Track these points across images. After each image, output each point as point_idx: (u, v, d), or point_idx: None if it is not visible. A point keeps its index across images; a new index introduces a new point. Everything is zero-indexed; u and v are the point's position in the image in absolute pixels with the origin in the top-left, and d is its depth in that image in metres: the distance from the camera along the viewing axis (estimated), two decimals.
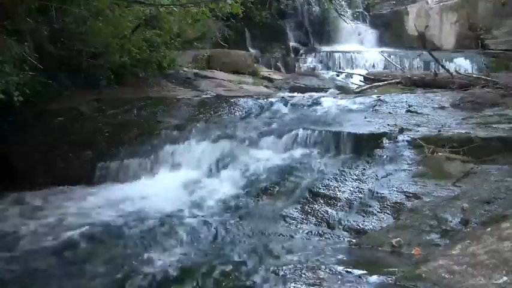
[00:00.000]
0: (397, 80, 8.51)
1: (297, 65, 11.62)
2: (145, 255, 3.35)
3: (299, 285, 2.62)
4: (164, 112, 6.29)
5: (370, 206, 3.74)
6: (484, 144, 4.31)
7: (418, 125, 5.10)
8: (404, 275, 2.38)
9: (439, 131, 4.77)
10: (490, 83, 6.82)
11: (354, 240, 3.40)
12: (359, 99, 6.50)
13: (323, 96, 7.01)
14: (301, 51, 12.06)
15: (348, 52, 11.43)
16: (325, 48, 12.19)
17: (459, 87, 6.94)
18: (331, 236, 3.53)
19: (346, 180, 4.20)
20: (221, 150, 5.17)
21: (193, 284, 2.88)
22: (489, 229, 2.69)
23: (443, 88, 7.38)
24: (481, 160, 4.14)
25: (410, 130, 4.87)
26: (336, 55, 11.42)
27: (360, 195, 3.93)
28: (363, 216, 3.66)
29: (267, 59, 11.61)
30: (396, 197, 3.77)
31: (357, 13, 13.39)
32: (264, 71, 10.61)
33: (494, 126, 4.83)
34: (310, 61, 11.61)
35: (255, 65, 10.65)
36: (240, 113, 6.23)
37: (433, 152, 4.32)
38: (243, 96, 6.91)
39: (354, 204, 3.83)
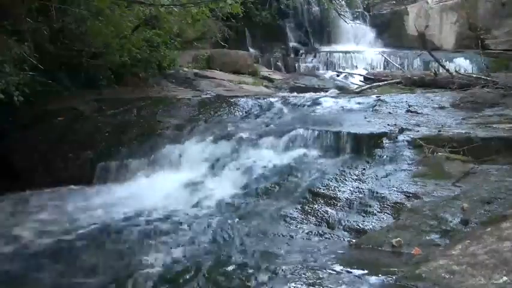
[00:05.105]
0: (397, 80, 8.53)
1: (297, 65, 11.62)
2: (145, 255, 3.35)
3: (299, 285, 2.61)
4: (164, 112, 6.30)
5: (370, 206, 3.74)
6: (484, 144, 4.30)
7: (418, 125, 5.10)
8: (404, 275, 2.37)
9: (439, 131, 4.77)
10: (490, 83, 6.82)
11: (354, 240, 3.39)
12: (359, 99, 6.50)
13: (323, 96, 7.01)
14: (301, 51, 12.06)
15: (348, 52, 11.44)
16: (325, 48, 12.20)
17: (459, 87, 6.94)
18: (331, 236, 3.53)
19: (346, 180, 4.19)
20: (221, 150, 5.16)
21: (193, 284, 2.87)
22: (489, 229, 2.69)
23: (443, 88, 7.40)
24: (481, 160, 4.13)
25: (410, 130, 4.87)
26: (336, 55, 11.43)
27: (360, 195, 3.92)
28: (363, 216, 3.66)
29: (267, 59, 11.62)
30: (396, 197, 3.77)
31: (357, 13, 13.39)
32: (264, 71, 10.62)
33: (494, 126, 4.83)
34: (310, 61, 11.62)
35: (255, 65, 10.66)
36: (240, 113, 6.23)
37: (433, 152, 4.32)
38: (243, 96, 6.91)
39: (354, 204, 3.83)
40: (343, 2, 13.23)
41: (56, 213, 4.29)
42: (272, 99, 6.66)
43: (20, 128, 5.79)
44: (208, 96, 7.15)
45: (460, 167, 4.05)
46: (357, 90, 8.22)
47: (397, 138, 4.67)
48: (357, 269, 2.74)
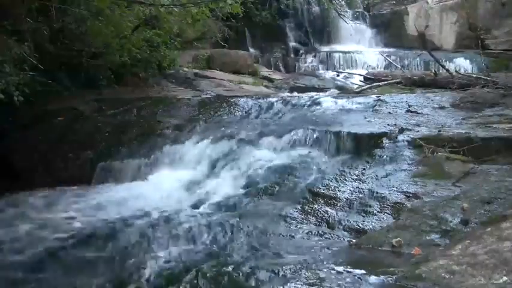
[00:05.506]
0: (397, 80, 8.54)
1: (297, 65, 11.64)
2: (145, 255, 3.35)
3: (299, 285, 2.61)
4: (164, 112, 6.30)
5: (370, 206, 3.73)
6: (484, 144, 4.30)
7: (418, 125, 5.10)
8: (404, 275, 2.37)
9: (439, 131, 4.77)
10: (490, 83, 6.83)
11: (354, 240, 3.39)
12: (359, 99, 6.50)
13: (323, 96, 7.00)
14: (301, 51, 12.08)
15: (348, 52, 11.45)
16: (325, 48, 12.21)
17: (459, 87, 6.95)
18: (331, 236, 3.52)
19: (346, 180, 4.19)
20: (221, 150, 5.16)
21: (193, 284, 2.87)
22: (489, 229, 2.68)
23: (443, 88, 7.40)
24: (481, 160, 4.13)
25: (410, 130, 4.87)
26: (336, 55, 11.45)
27: (360, 195, 3.92)
28: (363, 216, 3.66)
29: (267, 59, 11.63)
30: (396, 197, 3.77)
31: (357, 13, 13.41)
32: (264, 71, 10.63)
33: (494, 126, 4.83)
34: (310, 61, 11.63)
35: (255, 65, 10.68)
36: (240, 113, 6.23)
37: (433, 152, 4.32)
38: (243, 96, 6.91)
39: (354, 204, 3.82)
40: (343, 2, 13.25)
41: (55, 213, 4.29)
42: (272, 99, 6.66)
43: (20, 128, 5.79)
44: (208, 96, 7.15)
45: (460, 167, 4.05)
46: (357, 90, 8.22)
47: (397, 138, 4.67)
48: (357, 269, 2.73)
